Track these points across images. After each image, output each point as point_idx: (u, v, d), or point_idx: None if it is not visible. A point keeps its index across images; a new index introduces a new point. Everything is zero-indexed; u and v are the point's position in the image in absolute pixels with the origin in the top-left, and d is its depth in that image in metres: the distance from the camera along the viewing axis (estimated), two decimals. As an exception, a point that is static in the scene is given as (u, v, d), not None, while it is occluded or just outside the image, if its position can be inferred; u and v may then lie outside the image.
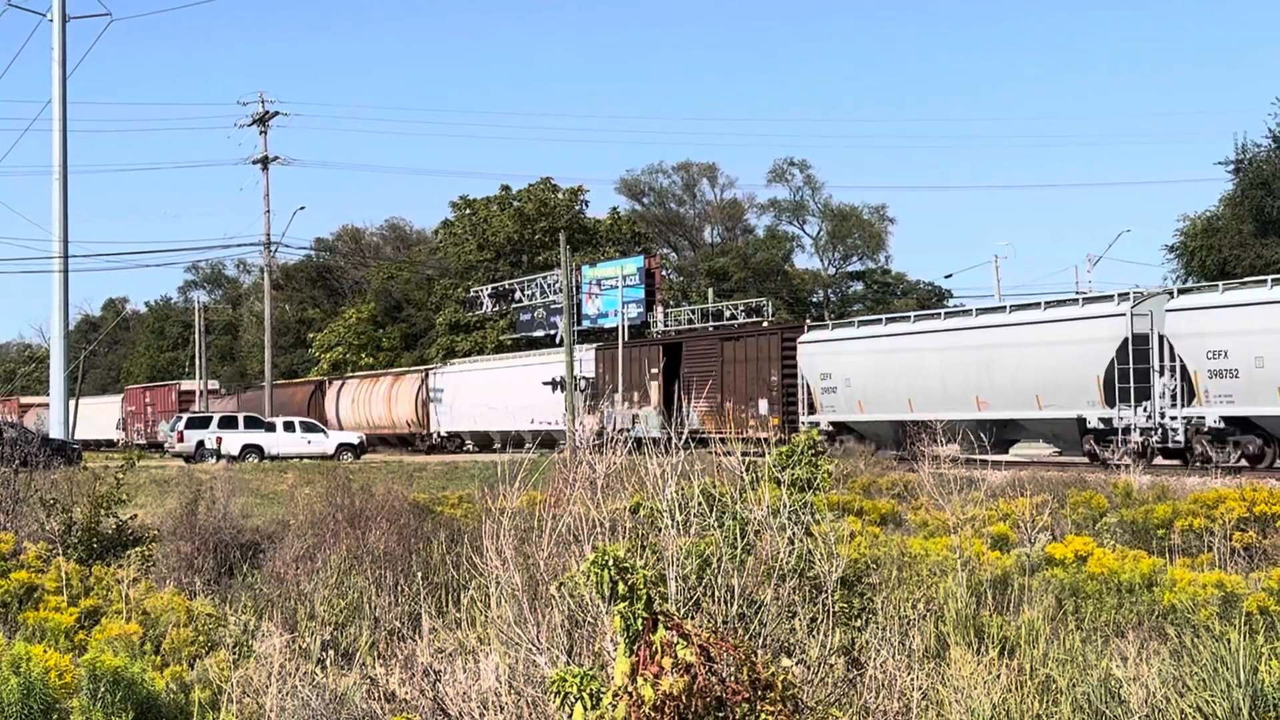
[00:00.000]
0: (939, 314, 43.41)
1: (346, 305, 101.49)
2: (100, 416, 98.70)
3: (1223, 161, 60.59)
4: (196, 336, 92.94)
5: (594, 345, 59.66)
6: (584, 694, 5.60)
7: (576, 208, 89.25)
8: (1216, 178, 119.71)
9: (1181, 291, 34.86)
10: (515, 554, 7.84)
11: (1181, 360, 32.46)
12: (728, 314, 68.04)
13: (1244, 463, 31.27)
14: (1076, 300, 38.36)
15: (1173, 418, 32.66)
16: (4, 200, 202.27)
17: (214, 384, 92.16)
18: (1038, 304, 38.49)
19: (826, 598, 7.59)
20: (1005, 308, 39.76)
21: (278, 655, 8.73)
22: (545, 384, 54.86)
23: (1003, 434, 38.14)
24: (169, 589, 12.38)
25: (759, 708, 5.71)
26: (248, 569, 14.32)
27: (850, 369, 42.54)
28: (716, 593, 7.15)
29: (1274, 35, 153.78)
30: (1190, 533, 15.47)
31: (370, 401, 71.48)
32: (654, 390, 51.81)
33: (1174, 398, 32.69)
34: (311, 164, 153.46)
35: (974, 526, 14.16)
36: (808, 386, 44.63)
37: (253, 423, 56.83)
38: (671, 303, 76.24)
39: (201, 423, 56.20)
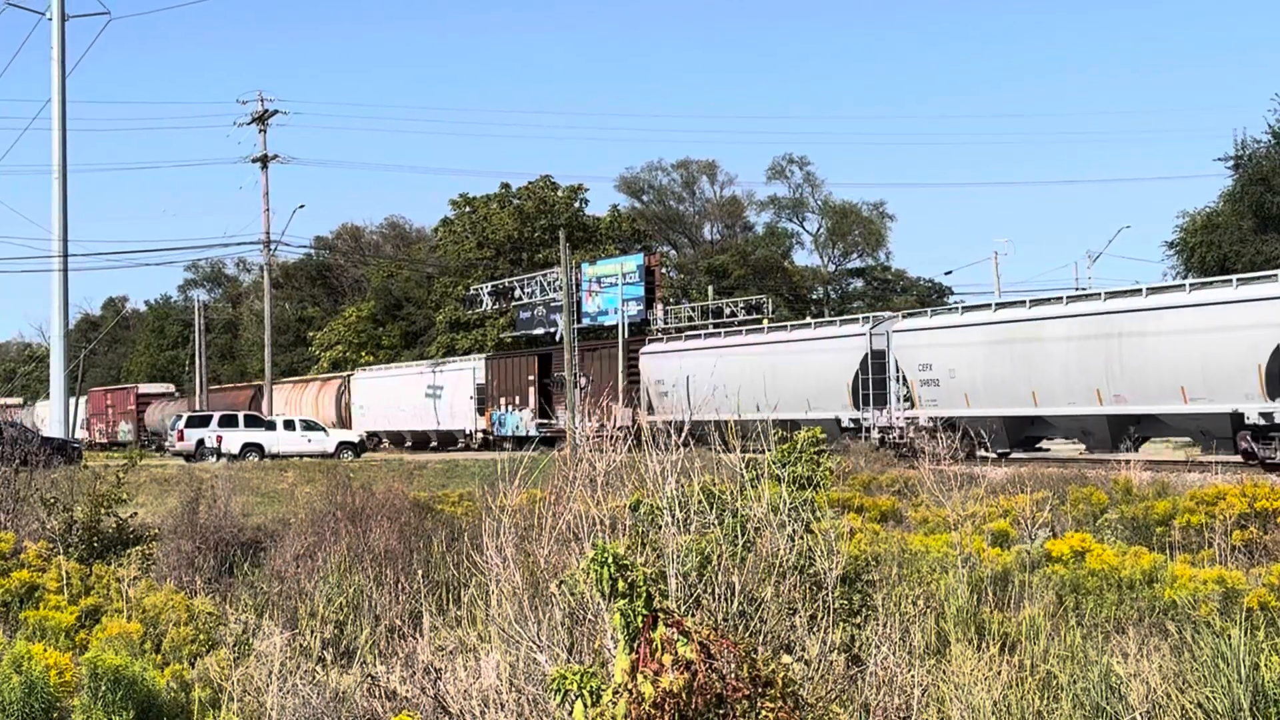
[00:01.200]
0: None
1: (346, 304, 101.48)
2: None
3: (1222, 158, 60.65)
4: (196, 335, 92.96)
5: (484, 355, 68.03)
6: (584, 691, 5.60)
7: (576, 205, 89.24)
8: (1216, 174, 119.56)
9: None
10: (515, 552, 7.85)
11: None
12: (728, 311, 68.04)
13: None
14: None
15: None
16: (4, 199, 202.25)
17: (170, 387, 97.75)
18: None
19: (827, 595, 7.59)
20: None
21: (278, 653, 8.73)
22: (473, 391, 62.62)
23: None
24: (169, 587, 12.38)
25: (759, 705, 5.71)
26: (248, 567, 14.33)
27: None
28: (716, 590, 7.15)
29: (1274, 32, 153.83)
30: (1190, 529, 15.47)
31: (300, 404, 76.75)
32: (531, 395, 59.58)
33: None
34: (311, 162, 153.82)
35: (974, 523, 14.16)
36: (648, 390, 51.91)
37: (253, 421, 56.83)
38: (671, 300, 76.24)
39: (202, 421, 56.18)
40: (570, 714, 5.68)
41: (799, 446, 8.33)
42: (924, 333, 40.64)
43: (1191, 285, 34.86)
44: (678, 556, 7.13)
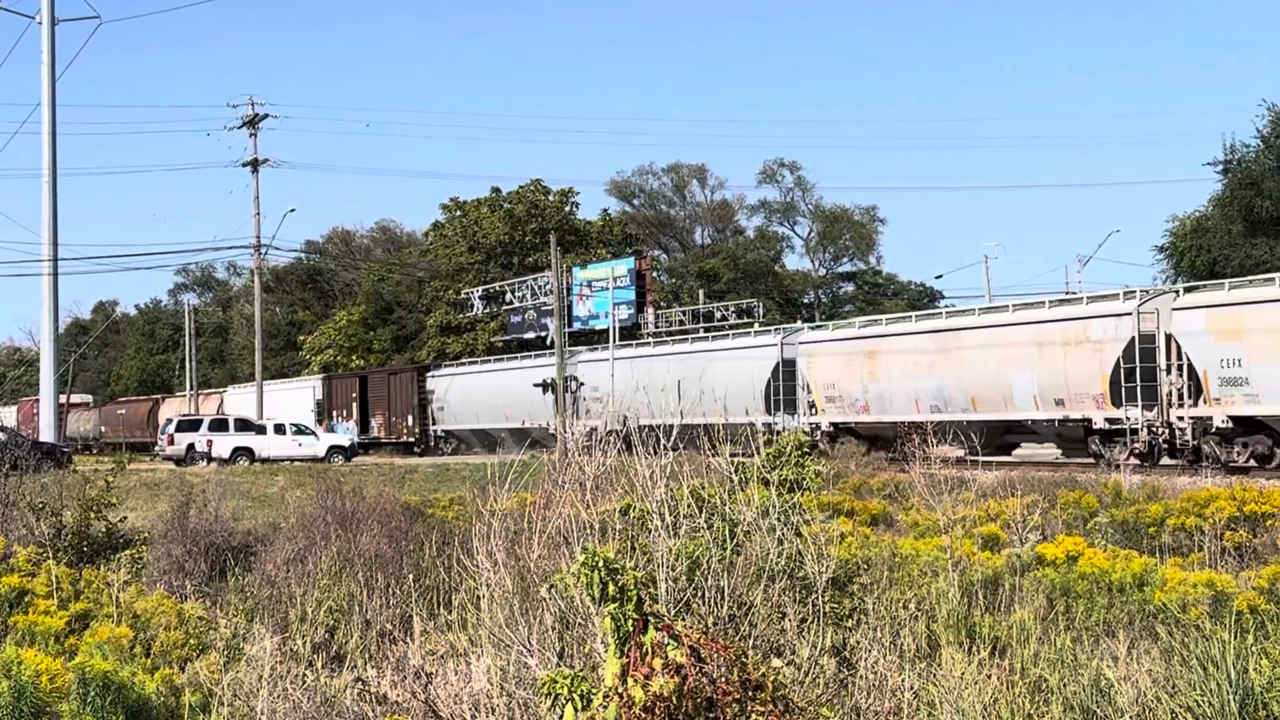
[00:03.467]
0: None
1: (337, 307, 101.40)
2: None
3: (1211, 162, 60.67)
4: (186, 339, 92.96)
5: (321, 376, 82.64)
6: (575, 695, 5.60)
7: (567, 209, 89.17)
8: (1205, 178, 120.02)
9: None
10: (506, 556, 7.85)
11: None
12: (719, 315, 68.20)
13: None
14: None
15: None
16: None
17: (89, 397, 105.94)
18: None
19: (817, 598, 7.59)
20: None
21: (269, 658, 8.71)
22: (313, 405, 75.68)
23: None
24: (159, 592, 12.37)
25: (750, 708, 5.71)
26: (239, 572, 14.30)
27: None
28: (706, 594, 7.15)
29: (1262, 36, 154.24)
30: (1181, 532, 15.50)
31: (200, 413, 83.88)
32: (354, 409, 73.26)
33: None
34: (301, 166, 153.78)
35: (965, 527, 14.17)
36: (440, 407, 66.89)
37: (243, 425, 56.78)
38: (662, 304, 76.27)
39: (192, 425, 56.12)
40: (561, 718, 5.68)
41: (786, 450, 8.34)
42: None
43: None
44: (668, 560, 7.14)
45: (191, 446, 53.59)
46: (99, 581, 12.99)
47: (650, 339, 60.40)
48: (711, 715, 5.66)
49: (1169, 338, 33.33)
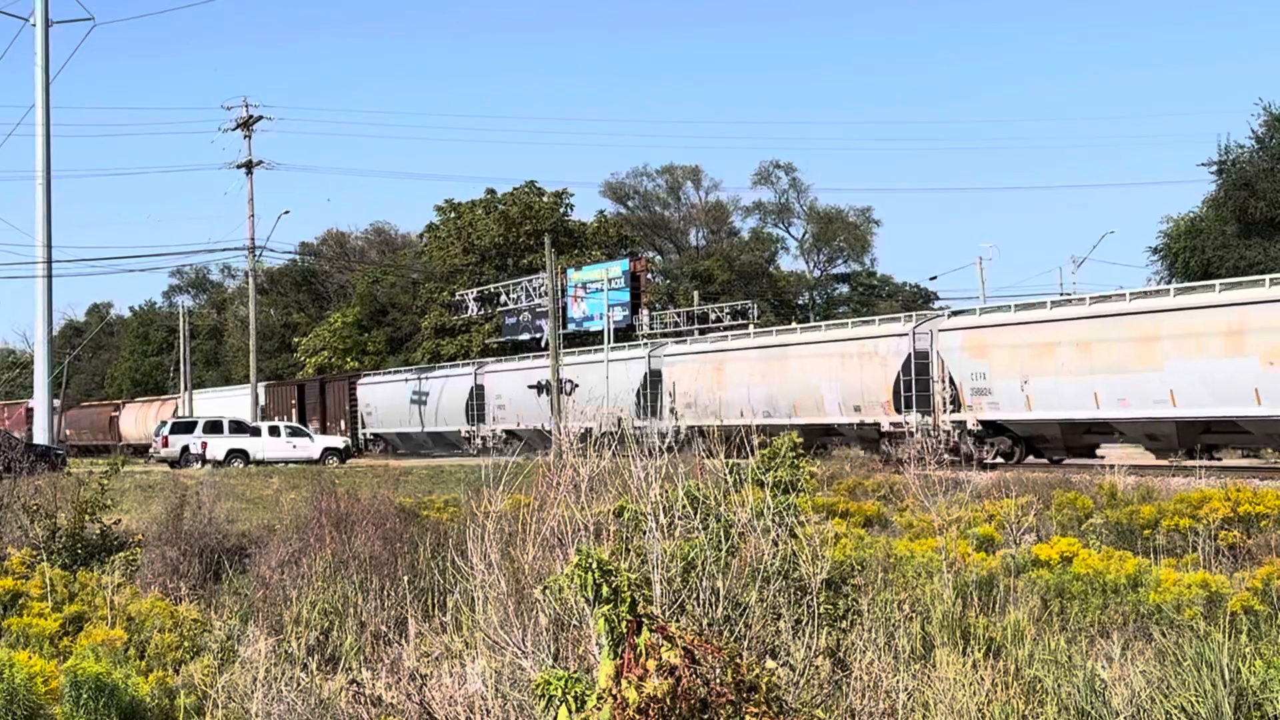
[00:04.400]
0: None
1: (331, 309, 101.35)
2: None
3: (1206, 163, 60.67)
4: (181, 341, 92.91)
5: (265, 383, 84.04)
6: (569, 697, 5.60)
7: (561, 211, 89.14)
8: (1200, 179, 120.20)
9: None
10: (500, 558, 7.84)
11: None
12: (713, 316, 68.19)
13: None
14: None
15: None
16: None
17: (55, 403, 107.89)
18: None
19: (811, 600, 7.59)
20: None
21: (263, 660, 8.71)
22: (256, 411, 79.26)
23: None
24: (154, 594, 12.36)
25: (744, 710, 5.71)
26: (233, 574, 14.29)
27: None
28: (701, 595, 7.15)
29: (1256, 37, 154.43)
30: (1175, 533, 15.51)
31: (147, 420, 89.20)
32: (293, 415, 78.22)
33: None
34: (296, 168, 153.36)
35: (959, 528, 14.18)
36: (369, 412, 73.37)
37: (238, 427, 56.71)
38: (657, 305, 76.31)
39: (186, 427, 56.05)
40: (555, 719, 5.68)
41: (780, 452, 8.34)
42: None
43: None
44: (662, 562, 7.13)
45: (186, 448, 53.52)
46: (93, 584, 12.98)
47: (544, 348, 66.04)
48: (705, 717, 5.66)
49: (938, 355, 39.42)
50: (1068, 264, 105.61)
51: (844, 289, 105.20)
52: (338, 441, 58.21)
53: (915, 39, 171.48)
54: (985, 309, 40.91)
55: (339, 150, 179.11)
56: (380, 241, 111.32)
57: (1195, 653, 7.72)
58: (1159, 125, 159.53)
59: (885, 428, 40.13)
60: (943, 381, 39.19)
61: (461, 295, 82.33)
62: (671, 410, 49.10)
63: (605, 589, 5.66)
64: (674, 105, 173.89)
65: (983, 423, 37.59)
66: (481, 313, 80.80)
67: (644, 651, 5.61)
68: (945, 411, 39.09)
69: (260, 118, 71.53)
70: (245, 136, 71.26)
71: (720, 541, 7.40)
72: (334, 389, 77.49)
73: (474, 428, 63.49)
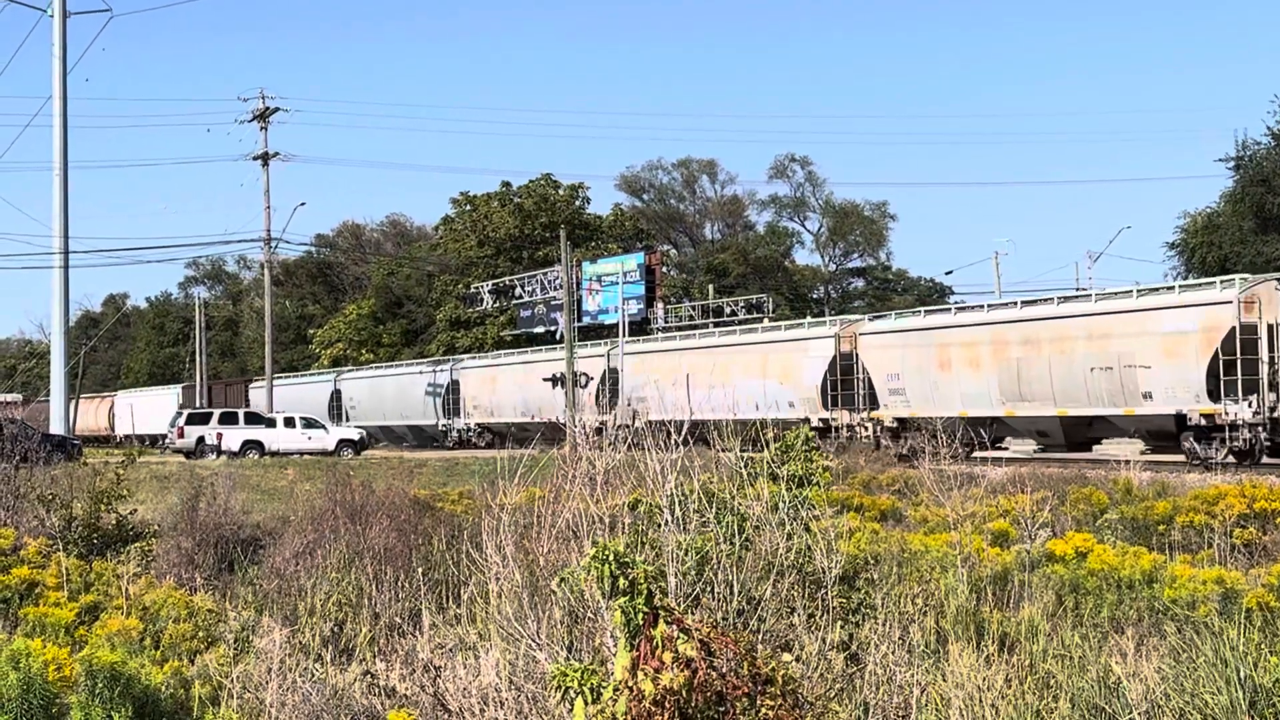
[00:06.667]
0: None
1: (347, 301, 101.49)
2: None
3: (1223, 158, 60.58)
4: (197, 333, 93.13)
5: (181, 385, 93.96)
6: (584, 688, 5.60)
7: (577, 204, 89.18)
8: (1217, 174, 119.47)
9: None
10: (515, 550, 7.85)
11: None
12: (728, 310, 68.17)
13: None
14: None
15: None
16: (5, 196, 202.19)
17: (19, 397, 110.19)
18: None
19: (825, 593, 7.59)
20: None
21: (278, 650, 8.73)
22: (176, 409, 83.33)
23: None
24: (169, 584, 12.39)
25: (759, 702, 5.71)
26: (248, 564, 14.32)
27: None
28: (716, 588, 7.15)
29: (1274, 32, 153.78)
30: (1190, 529, 15.47)
31: (94, 414, 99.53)
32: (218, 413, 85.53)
33: None
34: (312, 160, 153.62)
35: (974, 523, 14.16)
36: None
37: (253, 418, 56.81)
38: (672, 299, 76.25)
39: (202, 418, 56.18)
40: (570, 711, 5.68)
41: (794, 445, 8.34)
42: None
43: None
44: (677, 555, 7.13)
45: (201, 439, 53.64)
46: (109, 573, 13.02)
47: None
48: (721, 709, 5.66)
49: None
50: (1084, 259, 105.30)
51: (859, 283, 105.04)
52: (353, 433, 58.27)
53: (934, 34, 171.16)
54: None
55: (355, 142, 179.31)
56: (396, 234, 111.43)
57: (1211, 649, 7.70)
58: (1176, 121, 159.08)
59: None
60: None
61: (476, 288, 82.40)
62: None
63: (622, 581, 5.66)
64: (690, 99, 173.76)
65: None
66: (496, 305, 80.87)
67: (660, 644, 5.61)
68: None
69: (276, 109, 71.61)
70: (262, 128, 71.33)
71: (735, 535, 7.40)
72: (233, 390, 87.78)
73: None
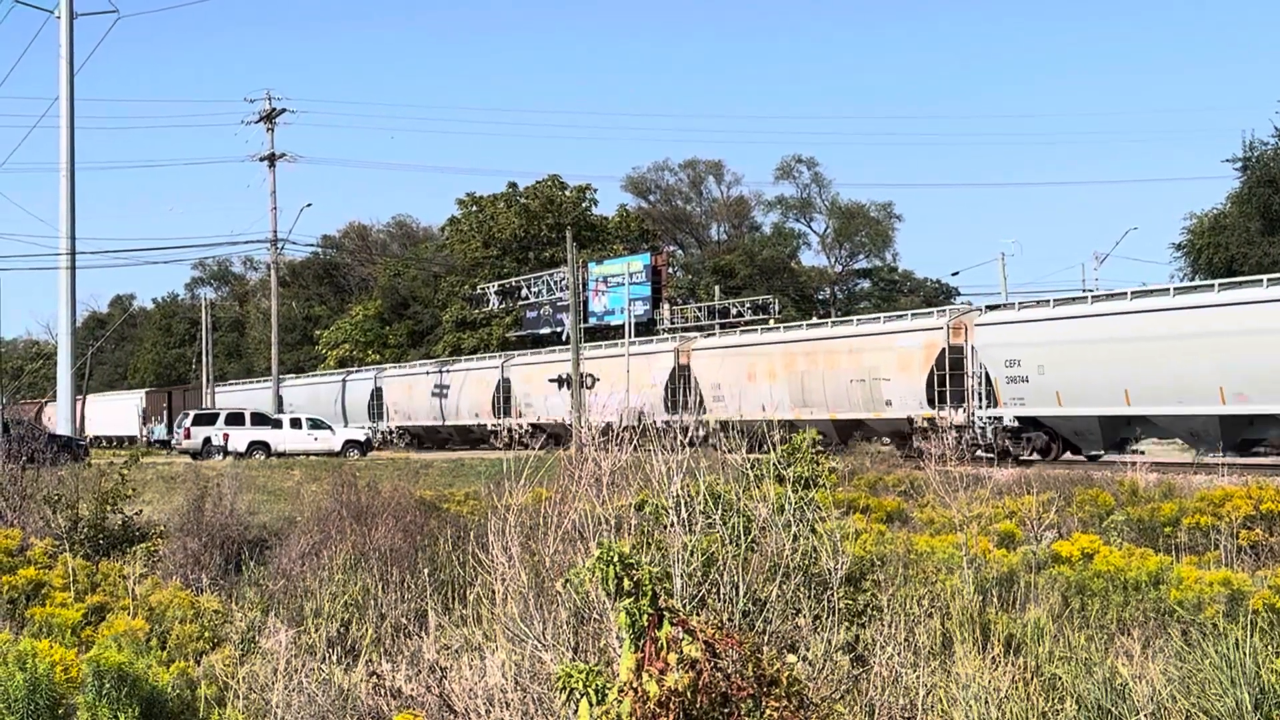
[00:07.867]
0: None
1: (353, 302, 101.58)
2: None
3: (1230, 159, 60.46)
4: (203, 333, 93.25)
5: (145, 390, 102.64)
6: (590, 690, 5.61)
7: (583, 205, 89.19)
8: (1224, 175, 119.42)
9: None
10: (521, 551, 7.85)
11: None
12: (734, 311, 68.15)
13: None
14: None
15: None
16: (11, 197, 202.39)
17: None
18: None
19: (831, 595, 7.58)
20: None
21: (284, 651, 8.73)
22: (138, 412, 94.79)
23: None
24: (175, 585, 12.40)
25: (764, 704, 5.71)
26: (254, 565, 14.33)
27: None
28: (721, 589, 7.15)
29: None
30: (1197, 530, 15.44)
31: (56, 417, 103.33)
32: (164, 415, 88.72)
33: None
34: (318, 161, 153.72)
35: (980, 524, 14.15)
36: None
37: (259, 419, 56.91)
38: (678, 300, 76.24)
39: (208, 419, 56.27)
40: (575, 713, 5.68)
41: (800, 447, 8.33)
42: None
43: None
44: (683, 556, 7.13)
45: (208, 440, 53.73)
46: (115, 574, 13.03)
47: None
48: (726, 710, 5.66)
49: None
50: (1090, 260, 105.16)
51: (865, 284, 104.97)
52: (359, 434, 58.36)
53: (940, 35, 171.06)
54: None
55: (361, 143, 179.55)
56: (402, 234, 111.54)
57: (1217, 651, 7.69)
58: (1183, 121, 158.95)
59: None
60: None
61: (482, 289, 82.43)
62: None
63: (627, 582, 5.66)
64: (697, 100, 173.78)
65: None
66: (502, 306, 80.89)
67: (665, 645, 5.61)
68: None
69: (283, 110, 71.76)
70: (268, 129, 71.48)
71: (741, 536, 7.40)
72: (190, 395, 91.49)
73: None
